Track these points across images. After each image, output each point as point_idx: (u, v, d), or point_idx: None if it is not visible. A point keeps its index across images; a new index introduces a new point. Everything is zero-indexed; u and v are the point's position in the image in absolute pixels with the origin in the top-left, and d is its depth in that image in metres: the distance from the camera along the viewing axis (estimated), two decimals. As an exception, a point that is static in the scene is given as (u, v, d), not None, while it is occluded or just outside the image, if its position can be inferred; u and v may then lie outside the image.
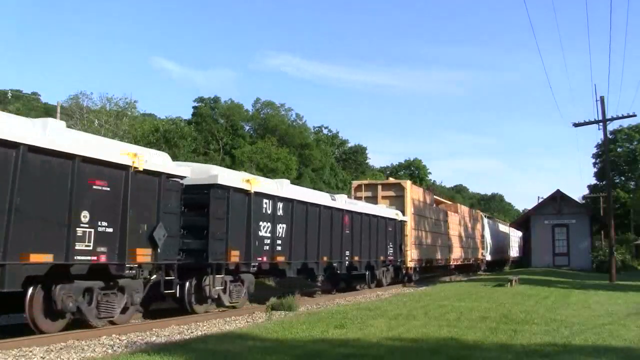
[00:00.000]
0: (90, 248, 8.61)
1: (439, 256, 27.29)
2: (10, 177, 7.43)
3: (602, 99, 25.76)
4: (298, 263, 14.30)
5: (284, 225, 13.69)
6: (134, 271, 9.44)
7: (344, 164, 70.03)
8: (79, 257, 8.40)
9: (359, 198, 22.03)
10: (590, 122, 26.62)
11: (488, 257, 40.22)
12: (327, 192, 21.36)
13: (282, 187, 13.85)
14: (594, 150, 57.15)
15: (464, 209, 36.17)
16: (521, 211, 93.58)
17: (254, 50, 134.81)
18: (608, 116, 25.93)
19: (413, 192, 23.69)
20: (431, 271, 29.30)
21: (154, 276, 9.96)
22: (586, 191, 61.03)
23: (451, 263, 30.27)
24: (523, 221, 49.45)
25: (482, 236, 38.77)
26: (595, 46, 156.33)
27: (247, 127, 64.47)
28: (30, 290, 8.06)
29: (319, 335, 8.37)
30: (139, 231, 9.52)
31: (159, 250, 9.80)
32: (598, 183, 56.66)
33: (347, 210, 17.28)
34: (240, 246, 11.90)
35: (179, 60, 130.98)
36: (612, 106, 66.08)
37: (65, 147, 8.16)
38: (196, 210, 11.13)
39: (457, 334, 8.51)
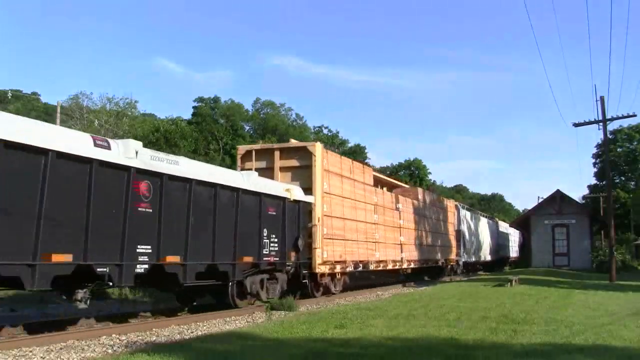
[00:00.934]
0: (267, 252, 13.15)
1: (378, 257, 19.31)
2: (234, 211, 11.87)
3: (602, 99, 25.79)
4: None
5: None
6: (289, 267, 14.10)
7: (344, 164, 69.81)
8: (264, 259, 12.98)
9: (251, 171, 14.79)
10: (590, 122, 26.65)
11: (466, 259, 33.48)
12: None
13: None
14: (594, 150, 57.21)
15: (431, 196, 28.47)
16: (521, 211, 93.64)
17: (254, 50, 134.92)
18: (608, 116, 25.96)
19: (328, 162, 15.95)
20: (365, 279, 22.42)
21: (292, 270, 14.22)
22: (586, 191, 61.06)
23: (403, 266, 22.12)
24: (523, 221, 49.45)
25: (459, 232, 31.90)
26: (595, 46, 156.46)
27: (247, 127, 64.55)
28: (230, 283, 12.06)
29: (319, 335, 8.37)
30: (291, 240, 14.11)
31: (299, 253, 14.46)
32: (598, 183, 56.68)
33: (144, 173, 9.62)
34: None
35: (179, 60, 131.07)
36: (612, 106, 66.11)
37: (258, 188, 12.76)
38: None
39: (457, 334, 8.51)
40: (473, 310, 11.81)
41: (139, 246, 9.40)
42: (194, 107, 63.80)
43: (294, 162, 15.63)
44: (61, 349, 7.66)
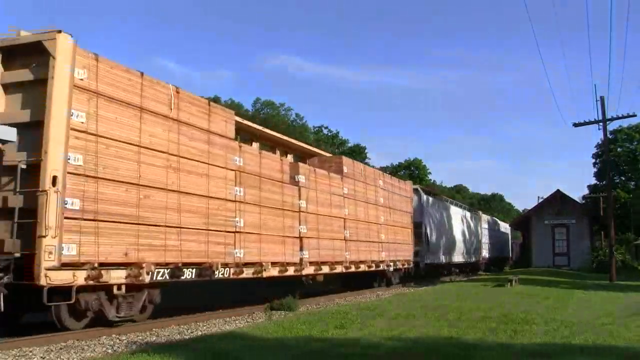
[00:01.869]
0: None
1: (240, 257, 11.89)
2: None
3: (602, 99, 25.81)
4: None
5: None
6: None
7: (344, 164, 69.90)
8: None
9: None
10: (590, 122, 26.66)
11: (431, 260, 26.61)
12: None
13: None
14: (594, 150, 57.13)
15: (374, 174, 20.08)
16: (521, 211, 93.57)
17: (254, 50, 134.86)
18: (608, 116, 25.97)
19: (98, 75, 8.93)
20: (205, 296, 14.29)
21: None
22: (586, 191, 61.00)
23: (304, 272, 14.48)
24: (523, 221, 49.43)
25: (420, 226, 24.80)
26: (595, 46, 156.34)
27: (247, 127, 64.45)
28: None
29: (319, 335, 8.37)
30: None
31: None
32: (598, 183, 56.61)
33: None
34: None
35: (179, 60, 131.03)
36: (612, 106, 66.07)
37: None
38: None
39: (457, 333, 8.51)
40: (473, 310, 11.81)
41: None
42: (194, 107, 63.72)
43: (24, 74, 8.58)
44: (61, 349, 7.66)
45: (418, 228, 24.54)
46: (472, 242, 37.61)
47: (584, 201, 55.20)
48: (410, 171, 76.52)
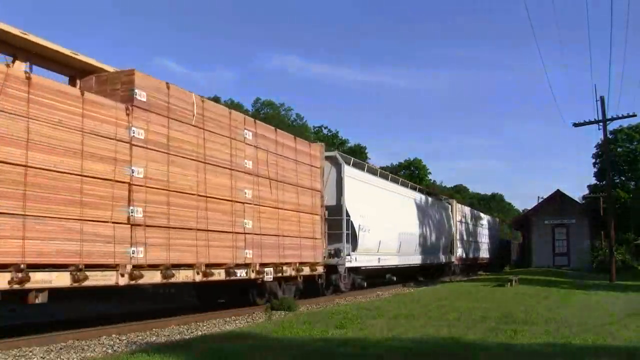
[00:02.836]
0: None
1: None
2: None
3: (602, 99, 25.84)
4: None
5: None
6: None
7: (344, 164, 69.92)
8: None
9: None
10: (590, 122, 26.69)
11: (360, 263, 18.50)
12: None
13: None
14: (594, 150, 57.14)
15: (223, 113, 11.98)
16: (521, 211, 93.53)
17: (254, 50, 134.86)
18: (608, 116, 25.99)
19: None
20: None
21: None
22: (586, 191, 61.02)
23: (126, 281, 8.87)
24: (523, 221, 49.43)
25: (345, 213, 17.34)
26: (595, 46, 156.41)
27: (247, 127, 64.47)
28: None
29: (319, 335, 8.37)
30: None
31: None
32: (598, 183, 56.62)
33: None
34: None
35: (179, 60, 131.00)
36: (612, 106, 66.07)
37: None
38: None
39: (457, 334, 8.51)
40: (473, 310, 11.82)
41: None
42: (194, 107, 63.76)
43: None
44: (61, 349, 7.66)
45: (336, 215, 16.88)
46: (438, 239, 28.33)
47: (584, 201, 55.19)
48: (410, 171, 76.55)
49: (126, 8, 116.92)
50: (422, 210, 26.36)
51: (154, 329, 9.61)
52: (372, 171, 21.94)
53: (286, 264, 13.65)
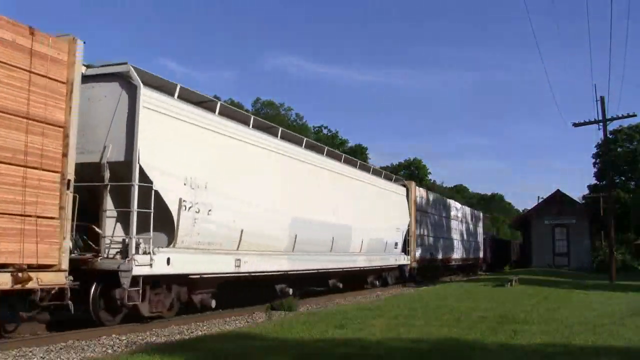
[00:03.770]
0: None
1: None
2: None
3: (602, 99, 25.85)
4: None
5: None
6: None
7: (344, 164, 69.94)
8: None
9: None
10: (590, 122, 26.69)
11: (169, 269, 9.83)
12: None
13: None
14: (594, 150, 57.17)
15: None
16: (521, 211, 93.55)
17: (254, 50, 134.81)
18: (608, 116, 26.00)
19: None
20: None
21: None
22: (586, 191, 61.04)
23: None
24: (523, 221, 49.43)
25: (149, 175, 9.33)
26: (595, 46, 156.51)
27: (247, 127, 64.55)
28: None
29: (319, 335, 8.37)
30: None
31: None
32: (598, 183, 56.66)
33: None
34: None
35: (180, 59, 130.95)
36: (612, 106, 66.10)
37: None
38: None
39: (457, 333, 8.51)
40: (473, 310, 11.82)
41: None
42: (194, 107, 63.79)
43: None
44: (61, 349, 7.66)
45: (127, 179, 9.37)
46: (384, 233, 20.23)
47: (584, 201, 55.22)
48: (410, 171, 76.60)
49: (126, 8, 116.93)
50: (352, 190, 17.65)
51: (154, 329, 9.60)
52: (228, 112, 12.26)
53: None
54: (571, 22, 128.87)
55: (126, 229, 9.30)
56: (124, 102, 9.52)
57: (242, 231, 11.73)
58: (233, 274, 11.59)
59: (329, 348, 7.30)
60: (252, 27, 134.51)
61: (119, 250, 9.34)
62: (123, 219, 9.45)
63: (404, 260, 22.16)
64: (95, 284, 9.08)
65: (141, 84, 9.44)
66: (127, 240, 9.22)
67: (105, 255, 9.24)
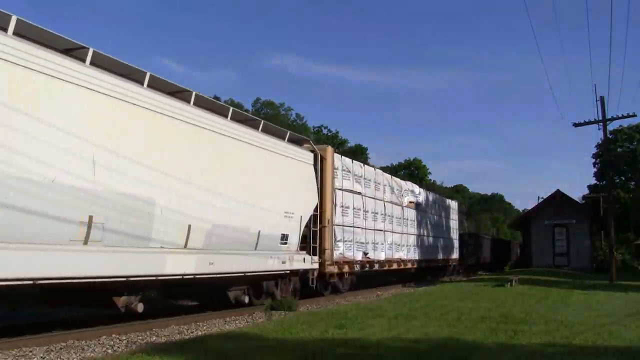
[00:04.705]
0: None
1: None
2: None
3: (602, 99, 25.83)
4: None
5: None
6: None
7: (344, 164, 69.93)
8: None
9: None
10: (590, 122, 26.68)
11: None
12: None
13: None
14: (594, 150, 57.15)
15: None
16: (521, 211, 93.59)
17: (254, 49, 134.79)
18: (608, 116, 25.98)
19: None
20: None
21: None
22: (586, 191, 61.04)
23: None
24: (523, 221, 49.42)
25: None
26: (595, 46, 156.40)
27: (247, 127, 64.59)
28: None
29: (318, 335, 8.37)
30: None
31: None
32: (598, 183, 56.65)
33: None
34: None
35: (179, 59, 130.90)
36: (612, 106, 66.15)
37: None
38: None
39: (457, 333, 8.51)
40: (473, 310, 11.82)
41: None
42: (194, 107, 63.81)
43: None
44: (61, 349, 7.66)
45: None
46: (274, 218, 13.30)
47: (584, 201, 55.22)
48: (410, 171, 76.59)
49: (126, 8, 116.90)
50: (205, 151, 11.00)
51: (154, 329, 9.60)
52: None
53: None
54: (571, 21, 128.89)
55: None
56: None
57: None
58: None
59: (329, 348, 7.30)
60: (252, 27, 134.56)
61: None
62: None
63: (305, 263, 14.47)
64: None
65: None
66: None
67: None
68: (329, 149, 16.50)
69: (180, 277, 10.27)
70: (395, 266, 21.39)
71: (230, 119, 11.93)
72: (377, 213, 19.75)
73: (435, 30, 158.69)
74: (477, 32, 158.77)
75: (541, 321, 9.99)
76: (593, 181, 59.75)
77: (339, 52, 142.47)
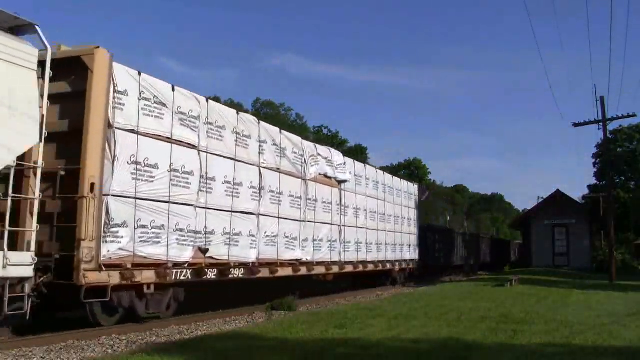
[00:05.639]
0: None
1: None
2: None
3: (602, 99, 25.82)
4: None
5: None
6: None
7: (344, 164, 69.89)
8: None
9: None
10: (590, 122, 26.67)
11: None
12: None
13: None
14: (594, 150, 57.14)
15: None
16: (521, 211, 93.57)
17: (254, 49, 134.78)
18: (608, 116, 25.97)
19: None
20: None
21: None
22: (586, 191, 61.02)
23: None
24: (523, 221, 49.42)
25: None
26: (595, 46, 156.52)
27: (247, 127, 64.56)
28: None
29: (319, 335, 8.37)
30: None
31: None
32: (598, 183, 56.63)
33: None
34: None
35: (179, 59, 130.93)
36: (612, 106, 66.15)
37: None
38: None
39: (457, 333, 8.51)
40: (473, 310, 11.81)
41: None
42: (194, 107, 63.78)
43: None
44: (61, 349, 7.66)
45: None
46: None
47: (584, 201, 55.21)
48: (410, 171, 76.59)
49: (126, 7, 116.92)
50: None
51: (154, 329, 9.59)
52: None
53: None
54: (571, 21, 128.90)
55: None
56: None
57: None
58: None
59: (329, 348, 7.30)
60: (252, 27, 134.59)
61: None
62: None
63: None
64: None
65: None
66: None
67: None
68: (101, 52, 8.97)
69: None
70: (281, 272, 13.46)
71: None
72: (239, 184, 12.05)
73: (436, 30, 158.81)
74: (478, 31, 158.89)
75: (541, 321, 9.99)
76: (593, 181, 59.73)
77: (339, 52, 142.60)
